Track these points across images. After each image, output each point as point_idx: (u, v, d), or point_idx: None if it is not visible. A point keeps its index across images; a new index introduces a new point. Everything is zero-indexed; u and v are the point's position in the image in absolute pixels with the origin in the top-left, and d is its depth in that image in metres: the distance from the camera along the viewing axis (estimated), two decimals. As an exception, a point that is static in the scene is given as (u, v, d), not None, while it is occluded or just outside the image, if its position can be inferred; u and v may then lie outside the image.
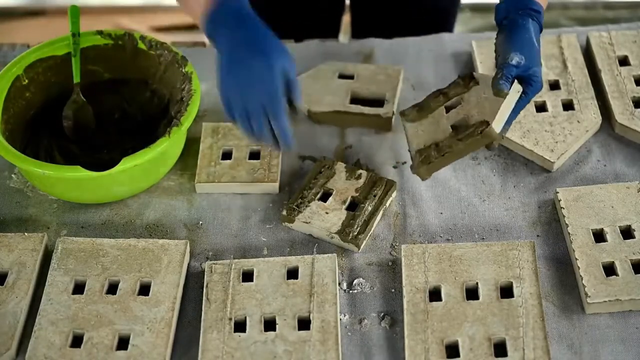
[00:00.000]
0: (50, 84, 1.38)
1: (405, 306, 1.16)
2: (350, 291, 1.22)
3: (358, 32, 1.74)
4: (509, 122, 1.23)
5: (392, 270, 1.24)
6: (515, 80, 1.20)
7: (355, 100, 1.41)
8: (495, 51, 1.24)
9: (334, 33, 1.75)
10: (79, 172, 1.22)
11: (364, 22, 1.75)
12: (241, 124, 1.16)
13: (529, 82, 1.21)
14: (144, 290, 1.20)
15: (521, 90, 1.21)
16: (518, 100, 1.21)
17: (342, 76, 1.45)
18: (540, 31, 1.24)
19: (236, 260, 1.22)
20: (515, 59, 1.19)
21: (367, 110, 1.39)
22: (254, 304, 1.17)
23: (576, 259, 1.20)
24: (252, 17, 1.17)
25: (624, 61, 1.45)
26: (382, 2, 1.68)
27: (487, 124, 1.19)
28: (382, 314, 1.19)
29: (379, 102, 1.40)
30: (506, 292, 1.17)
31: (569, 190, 1.28)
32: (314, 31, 1.61)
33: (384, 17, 1.69)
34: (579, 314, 1.17)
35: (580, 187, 1.28)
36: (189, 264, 1.25)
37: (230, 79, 1.14)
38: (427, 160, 1.24)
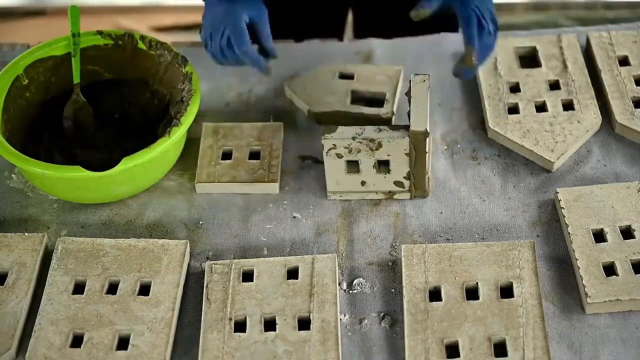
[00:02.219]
0: (50, 84, 1.38)
1: (405, 306, 1.16)
2: (350, 291, 1.22)
3: (360, 34, 1.74)
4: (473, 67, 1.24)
5: (392, 270, 1.24)
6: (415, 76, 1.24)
7: (355, 100, 1.41)
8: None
9: (338, 33, 1.75)
10: (79, 172, 1.22)
11: (366, 24, 1.74)
12: (217, 58, 1.29)
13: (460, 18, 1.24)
14: (144, 290, 1.20)
15: (428, 79, 1.22)
16: (482, 38, 1.23)
17: (342, 76, 1.45)
18: None
19: (236, 260, 1.22)
20: None
21: (367, 110, 1.39)
22: (254, 304, 1.17)
23: (576, 259, 1.20)
24: None
25: (624, 61, 1.45)
26: (385, 5, 1.68)
27: (408, 127, 1.22)
28: (382, 314, 1.19)
29: (379, 102, 1.40)
30: (506, 292, 1.17)
31: (569, 190, 1.28)
32: (317, 31, 1.61)
33: (386, 19, 1.69)
34: (579, 314, 1.17)
35: (580, 187, 1.28)
36: (189, 264, 1.25)
37: (206, 22, 1.29)
38: (412, 181, 1.29)
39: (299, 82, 1.44)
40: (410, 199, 1.31)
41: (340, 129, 1.24)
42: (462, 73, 1.26)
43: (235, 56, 1.27)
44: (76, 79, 1.36)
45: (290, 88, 1.44)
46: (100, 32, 1.38)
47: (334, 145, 1.25)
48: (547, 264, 1.23)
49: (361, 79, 1.44)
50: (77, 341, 1.15)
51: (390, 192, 1.30)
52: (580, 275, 1.18)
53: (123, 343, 1.15)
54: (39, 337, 1.15)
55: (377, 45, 1.54)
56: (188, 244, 1.24)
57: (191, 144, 1.38)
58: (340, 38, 1.71)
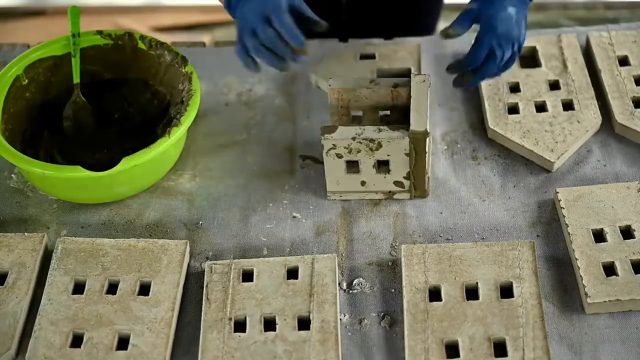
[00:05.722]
0: (50, 84, 1.38)
1: (405, 306, 1.16)
2: (350, 291, 1.22)
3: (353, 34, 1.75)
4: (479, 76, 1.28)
5: (392, 270, 1.24)
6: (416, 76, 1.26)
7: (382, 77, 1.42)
8: None
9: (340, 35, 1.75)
10: (79, 172, 1.22)
11: (357, 23, 1.76)
12: (254, 48, 1.19)
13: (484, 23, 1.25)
14: (144, 290, 1.20)
15: (428, 79, 1.24)
16: (490, 62, 1.25)
17: (363, 57, 1.47)
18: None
19: (236, 260, 1.22)
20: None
21: None
22: (254, 304, 1.17)
23: (576, 259, 1.20)
24: None
25: (624, 61, 1.45)
26: (375, 8, 1.70)
27: (408, 127, 1.23)
28: (382, 314, 1.19)
29: (406, 77, 1.41)
30: (506, 292, 1.17)
31: (569, 190, 1.28)
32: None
33: (377, 22, 1.71)
34: (579, 314, 1.17)
35: (580, 187, 1.28)
36: (189, 264, 1.25)
37: (239, 12, 1.20)
38: (412, 181, 1.29)
39: (324, 68, 1.46)
40: (410, 199, 1.31)
41: (340, 129, 1.24)
42: (462, 83, 1.30)
43: (274, 37, 1.18)
44: (76, 79, 1.36)
45: (317, 75, 1.45)
46: (100, 32, 1.38)
47: (334, 145, 1.25)
48: (547, 264, 1.23)
49: (383, 58, 1.46)
50: (77, 341, 1.15)
51: (390, 192, 1.30)
52: (580, 275, 1.18)
53: (123, 343, 1.15)
54: (39, 337, 1.15)
55: (377, 45, 1.54)
56: (188, 244, 1.24)
57: (191, 143, 1.38)
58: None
